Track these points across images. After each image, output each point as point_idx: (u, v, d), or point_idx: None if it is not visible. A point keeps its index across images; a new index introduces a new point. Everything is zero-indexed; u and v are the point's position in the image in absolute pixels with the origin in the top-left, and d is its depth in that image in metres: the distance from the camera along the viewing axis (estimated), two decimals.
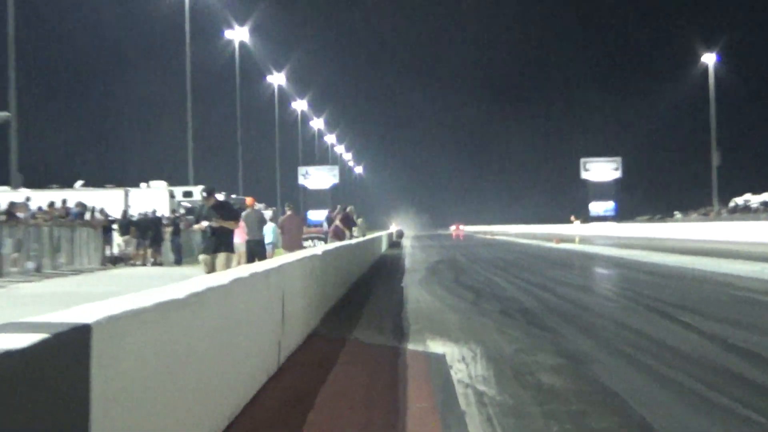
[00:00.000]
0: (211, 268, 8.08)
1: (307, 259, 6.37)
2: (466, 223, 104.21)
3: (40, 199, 18.96)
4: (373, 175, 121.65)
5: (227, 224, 8.28)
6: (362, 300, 9.25)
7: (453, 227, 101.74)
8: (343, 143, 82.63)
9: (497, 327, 6.64)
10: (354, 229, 16.71)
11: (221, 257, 8.17)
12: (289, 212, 13.52)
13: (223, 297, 3.38)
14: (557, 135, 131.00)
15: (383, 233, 29.33)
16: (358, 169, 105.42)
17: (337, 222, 15.63)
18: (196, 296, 2.93)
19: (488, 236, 50.89)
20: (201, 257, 8.38)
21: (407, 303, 8.91)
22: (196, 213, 8.46)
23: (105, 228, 18.22)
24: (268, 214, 17.13)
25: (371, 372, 4.78)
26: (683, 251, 19.39)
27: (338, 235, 15.28)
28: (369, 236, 19.93)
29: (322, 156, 71.47)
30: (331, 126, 73.64)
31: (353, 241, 13.24)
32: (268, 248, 15.56)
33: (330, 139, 74.25)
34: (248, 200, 13.14)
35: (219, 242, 8.19)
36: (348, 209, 16.35)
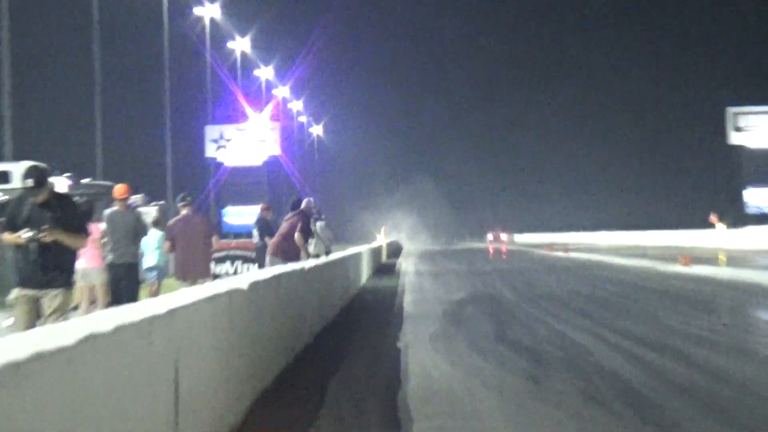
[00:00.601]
0: (33, 316, 8.06)
1: (222, 299, 6.42)
2: (513, 231, 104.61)
3: None
4: (343, 142, 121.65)
5: (69, 239, 8.22)
6: (325, 372, 9.28)
7: (490, 236, 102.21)
8: (289, 83, 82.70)
9: (579, 425, 6.68)
10: (310, 242, 16.75)
11: (55, 298, 8.13)
12: (184, 211, 13.66)
13: (65, 370, 3.38)
14: (683, 71, 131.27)
15: (364, 249, 29.37)
16: (316, 130, 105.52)
17: (296, 231, 15.52)
18: (13, 369, 2.93)
19: (555, 252, 50.91)
20: (14, 294, 8.32)
21: (409, 378, 8.95)
22: (8, 214, 8.34)
23: None
24: (150, 214, 17.05)
25: None
26: None
27: (287, 253, 15.28)
28: (338, 254, 19.94)
29: (252, 106, 71.28)
30: (265, 50, 73.60)
31: (308, 263, 13.22)
32: (150, 277, 15.51)
33: (264, 74, 74.18)
34: (117, 190, 13.26)
35: (52, 270, 8.14)
36: (304, 204, 16.39)
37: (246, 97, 67.86)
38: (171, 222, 13.90)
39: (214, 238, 14.05)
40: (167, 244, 13.74)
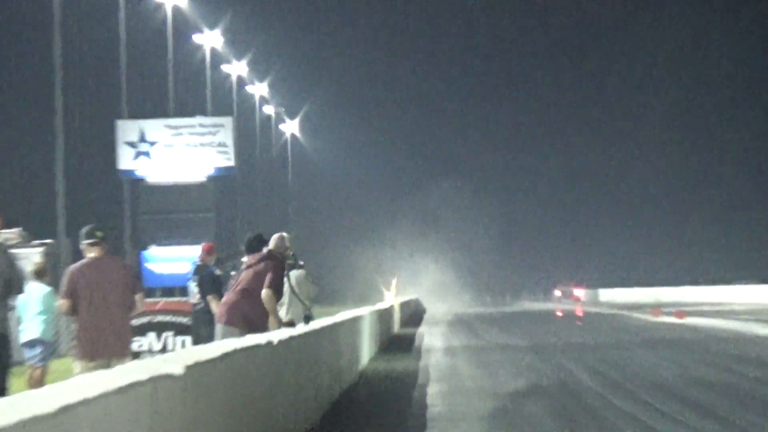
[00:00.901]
0: None
1: (143, 390, 6.57)
2: (595, 284, 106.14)
3: None
4: (333, 145, 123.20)
5: None
6: None
7: (557, 293, 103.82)
8: (248, 56, 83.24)
9: None
10: (282, 302, 17.29)
11: None
12: (92, 254, 13.98)
13: None
14: None
15: (365, 312, 29.54)
16: (290, 128, 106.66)
17: (264, 285, 15.57)
18: None
19: (664, 317, 52.27)
20: None
21: None
22: None
23: None
24: (31, 258, 17.17)
25: None
26: None
27: (250, 318, 15.23)
28: (324, 321, 20.00)
29: (191, 91, 71.69)
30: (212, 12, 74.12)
31: (279, 335, 13.19)
32: (30, 356, 15.45)
33: (210, 42, 74.56)
34: None
35: None
36: (273, 243, 16.48)
37: (183, 75, 67.88)
38: (72, 269, 13.94)
39: (138, 297, 14.09)
40: (63, 304, 13.66)
